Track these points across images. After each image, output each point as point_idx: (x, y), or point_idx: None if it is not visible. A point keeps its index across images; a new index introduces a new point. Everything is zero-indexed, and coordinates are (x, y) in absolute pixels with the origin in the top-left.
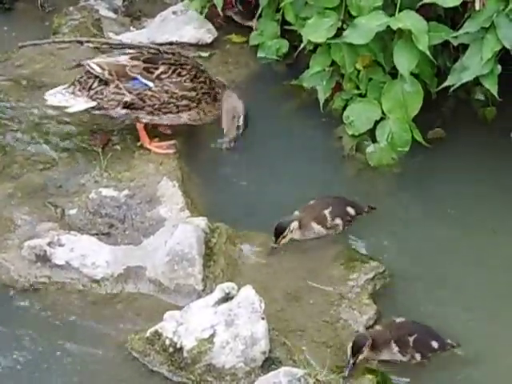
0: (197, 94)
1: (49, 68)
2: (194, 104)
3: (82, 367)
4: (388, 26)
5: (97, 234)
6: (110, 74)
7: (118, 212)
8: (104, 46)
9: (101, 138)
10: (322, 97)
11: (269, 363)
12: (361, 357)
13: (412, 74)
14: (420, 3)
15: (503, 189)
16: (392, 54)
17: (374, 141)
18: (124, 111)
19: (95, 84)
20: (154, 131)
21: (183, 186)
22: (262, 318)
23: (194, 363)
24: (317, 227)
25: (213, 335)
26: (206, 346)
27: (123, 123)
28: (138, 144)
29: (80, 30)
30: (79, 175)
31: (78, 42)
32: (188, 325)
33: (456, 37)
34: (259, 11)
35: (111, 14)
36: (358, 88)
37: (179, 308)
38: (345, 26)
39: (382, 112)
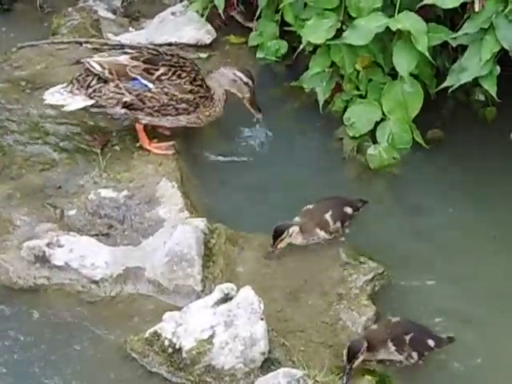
0: (194, 99)
1: (48, 69)
2: (192, 108)
3: (81, 368)
4: (387, 27)
5: (96, 235)
6: (110, 72)
7: (117, 213)
8: (103, 47)
9: (100, 139)
10: (321, 98)
11: (268, 364)
12: (356, 362)
13: (411, 74)
14: (419, 4)
15: (503, 189)
16: (391, 54)
17: (375, 142)
18: (123, 111)
19: (93, 82)
20: (152, 132)
21: (182, 186)
22: (261, 319)
23: (193, 364)
24: (320, 233)
25: (212, 336)
26: (205, 346)
27: (122, 124)
28: (137, 145)
29: (79, 31)
30: (78, 176)
31: (77, 42)
32: (187, 325)
33: (455, 38)
34: (258, 12)
35: (110, 15)
36: (357, 89)
37: (178, 309)
38: (344, 27)
39: (383, 113)
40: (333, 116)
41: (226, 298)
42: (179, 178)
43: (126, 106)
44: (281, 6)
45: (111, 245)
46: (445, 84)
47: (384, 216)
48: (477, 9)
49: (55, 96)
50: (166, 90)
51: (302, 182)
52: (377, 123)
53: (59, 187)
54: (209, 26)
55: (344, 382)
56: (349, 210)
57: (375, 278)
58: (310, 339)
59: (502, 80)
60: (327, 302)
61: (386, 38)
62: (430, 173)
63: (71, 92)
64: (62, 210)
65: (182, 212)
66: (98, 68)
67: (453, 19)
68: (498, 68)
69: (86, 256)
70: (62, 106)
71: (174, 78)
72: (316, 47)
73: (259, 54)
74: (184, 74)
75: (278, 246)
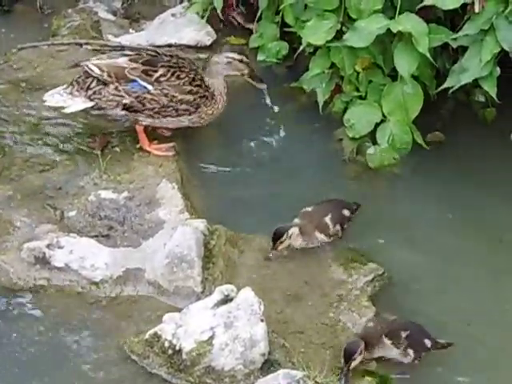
0: (194, 99)
1: (48, 70)
2: (193, 109)
3: (81, 369)
4: (388, 29)
5: (96, 236)
6: (109, 75)
7: (117, 214)
8: (103, 48)
9: (100, 140)
10: (321, 99)
11: (268, 365)
12: (354, 363)
13: (412, 76)
14: (420, 5)
15: (503, 190)
16: (392, 56)
17: (375, 143)
18: (123, 113)
19: (93, 84)
20: (153, 133)
21: (182, 188)
22: (261, 320)
23: (193, 365)
24: (320, 236)
25: (212, 337)
26: (205, 348)
27: (122, 125)
28: (138, 146)
29: (79, 32)
30: (78, 177)
31: (77, 44)
32: (187, 327)
33: (455, 39)
34: (259, 13)
35: (110, 17)
36: (357, 90)
37: (178, 310)
38: (344, 28)
39: (383, 114)
40: (333, 117)
41: (226, 300)
42: (179, 180)
43: (126, 108)
44: (281, 7)
45: (111, 246)
46: (445, 85)
47: (384, 216)
48: (477, 10)
49: (55, 97)
50: (165, 91)
51: (301, 182)
52: (377, 124)
53: (59, 188)
54: (209, 28)
55: (342, 383)
56: (347, 212)
57: (375, 279)
58: (310, 340)
59: (502, 81)
60: (327, 303)
61: (387, 40)
62: (430, 173)
63: (71, 94)
64: (62, 212)
65: (182, 213)
66: (97, 71)
67: (453, 20)
68: (498, 69)
69: (86, 257)
70: (62, 107)
71: (173, 79)
72: (316, 48)
73: (260, 57)
74: (183, 75)
75: (278, 248)
